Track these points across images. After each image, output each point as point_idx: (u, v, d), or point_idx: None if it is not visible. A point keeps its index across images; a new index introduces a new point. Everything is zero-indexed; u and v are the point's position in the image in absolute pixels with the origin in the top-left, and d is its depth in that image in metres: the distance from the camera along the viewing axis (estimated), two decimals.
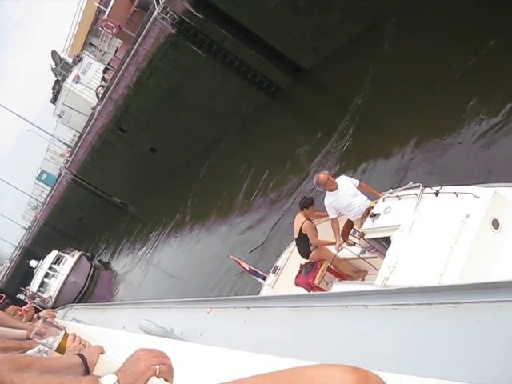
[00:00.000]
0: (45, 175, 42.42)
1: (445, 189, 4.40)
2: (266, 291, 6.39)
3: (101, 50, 30.97)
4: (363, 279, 5.61)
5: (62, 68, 30.63)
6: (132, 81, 17.23)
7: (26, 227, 52.87)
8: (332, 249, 5.67)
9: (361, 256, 5.52)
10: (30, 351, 2.15)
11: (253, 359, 1.47)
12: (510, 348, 1.07)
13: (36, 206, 50.46)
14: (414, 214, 4.36)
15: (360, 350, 1.51)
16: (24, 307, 3.66)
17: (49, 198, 36.24)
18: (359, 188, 5.53)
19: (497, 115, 6.75)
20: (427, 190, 4.52)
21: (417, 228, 4.26)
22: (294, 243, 6.39)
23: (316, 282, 5.56)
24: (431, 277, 3.64)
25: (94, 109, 21.62)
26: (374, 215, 4.91)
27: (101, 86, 24.78)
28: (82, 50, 30.69)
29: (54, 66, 31.28)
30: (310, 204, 5.89)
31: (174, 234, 18.72)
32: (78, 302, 19.66)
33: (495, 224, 3.82)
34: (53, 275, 25.51)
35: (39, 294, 24.24)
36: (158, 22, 14.00)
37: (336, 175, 5.85)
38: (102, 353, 1.52)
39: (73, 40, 30.72)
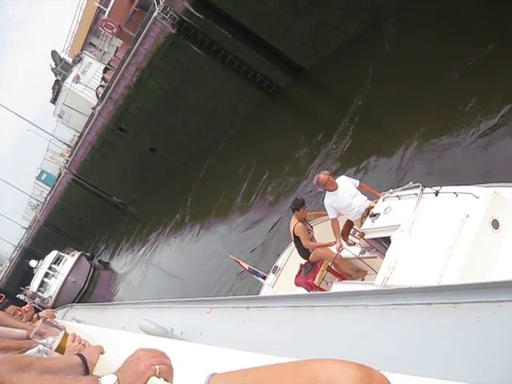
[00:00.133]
0: (45, 175, 42.43)
1: (445, 189, 4.40)
2: (265, 291, 6.39)
3: (101, 50, 30.95)
4: (363, 279, 5.61)
5: (62, 68, 30.63)
6: (132, 81, 17.23)
7: (26, 227, 52.86)
8: (332, 249, 5.67)
9: (361, 256, 5.52)
10: (29, 351, 2.14)
11: (253, 359, 1.47)
12: (509, 348, 1.07)
13: (36, 205, 50.45)
14: (413, 213, 4.36)
15: (360, 349, 1.51)
16: (24, 307, 3.65)
17: (49, 198, 36.25)
18: (359, 188, 5.53)
19: (497, 115, 6.75)
20: (427, 190, 4.52)
21: (417, 228, 4.26)
22: (293, 243, 6.39)
23: (316, 281, 5.56)
24: (431, 277, 3.64)
25: (93, 109, 21.62)
26: (374, 215, 4.91)
27: (101, 85, 24.78)
28: (82, 50, 30.68)
29: (53, 66, 31.28)
30: (301, 206, 5.87)
31: (173, 234, 18.72)
32: (78, 302, 19.65)
33: (495, 224, 3.82)
34: (53, 275, 25.51)
35: (39, 293, 24.22)
36: (158, 22, 14.00)
37: (336, 175, 5.85)
38: (102, 353, 1.52)
39: (73, 40, 30.72)
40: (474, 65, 7.77)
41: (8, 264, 51.22)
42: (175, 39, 14.29)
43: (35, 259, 28.54)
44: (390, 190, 5.04)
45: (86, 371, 1.43)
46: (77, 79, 28.52)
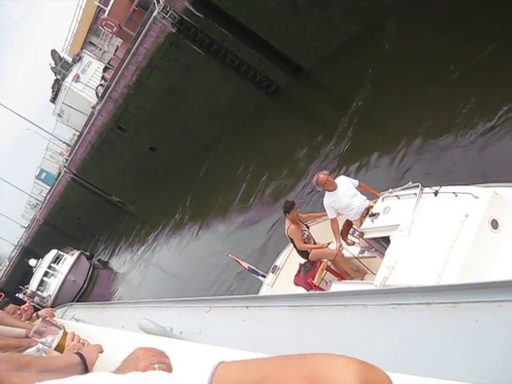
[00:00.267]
0: (44, 174, 42.39)
1: (444, 189, 4.41)
2: (265, 290, 6.39)
3: (101, 49, 30.92)
4: (362, 279, 5.61)
5: (62, 67, 30.61)
6: (132, 80, 17.21)
7: (26, 226, 52.82)
8: (332, 248, 5.67)
9: (360, 256, 5.52)
10: (28, 350, 2.14)
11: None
12: (509, 348, 1.07)
13: (35, 205, 50.38)
14: (413, 213, 4.36)
15: (359, 348, 1.50)
16: (23, 306, 3.65)
17: (48, 197, 36.22)
18: (358, 188, 5.53)
19: (496, 115, 6.75)
20: (426, 189, 4.53)
21: (416, 228, 4.26)
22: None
23: (315, 281, 5.56)
24: (430, 276, 3.64)
25: (93, 108, 21.60)
26: (374, 215, 4.92)
27: (100, 85, 24.75)
28: (81, 49, 30.64)
29: (53, 65, 31.25)
30: (291, 208, 5.86)
31: (173, 234, 18.72)
32: (77, 301, 19.65)
33: (494, 224, 3.82)
34: (52, 274, 25.51)
35: (38, 292, 24.24)
36: (158, 21, 13.99)
37: (335, 175, 5.85)
38: (101, 352, 1.52)
39: (72, 39, 30.68)
40: (473, 65, 7.77)
41: (7, 263, 51.23)
42: (175, 38, 14.28)
43: (35, 258, 28.56)
44: (390, 190, 5.04)
45: (85, 370, 1.43)
46: (76, 78, 28.49)
